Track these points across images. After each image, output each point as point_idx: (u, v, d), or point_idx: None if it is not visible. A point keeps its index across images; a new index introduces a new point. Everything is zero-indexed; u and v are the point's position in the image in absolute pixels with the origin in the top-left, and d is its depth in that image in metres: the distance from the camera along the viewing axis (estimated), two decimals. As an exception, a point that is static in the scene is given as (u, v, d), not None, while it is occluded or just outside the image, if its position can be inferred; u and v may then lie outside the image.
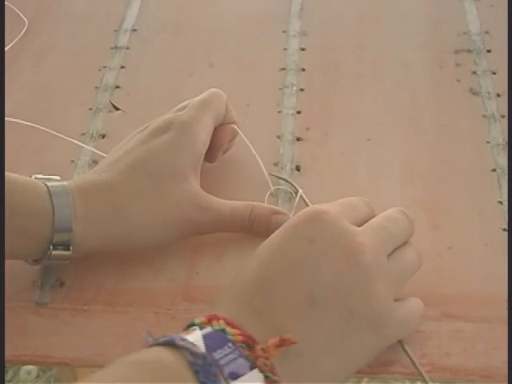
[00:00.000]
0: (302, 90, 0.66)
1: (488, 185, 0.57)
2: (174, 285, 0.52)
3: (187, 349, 0.38)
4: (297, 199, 0.56)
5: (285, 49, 0.71)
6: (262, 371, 0.39)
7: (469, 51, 0.69)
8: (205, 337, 0.39)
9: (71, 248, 0.49)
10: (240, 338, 0.40)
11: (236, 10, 0.76)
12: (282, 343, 0.40)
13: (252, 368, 0.39)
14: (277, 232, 0.47)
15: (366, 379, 0.46)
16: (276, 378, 0.39)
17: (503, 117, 0.62)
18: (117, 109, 0.66)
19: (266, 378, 0.39)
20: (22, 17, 0.76)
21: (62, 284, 0.53)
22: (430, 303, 0.49)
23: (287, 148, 0.61)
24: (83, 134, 0.63)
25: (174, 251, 0.54)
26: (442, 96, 0.65)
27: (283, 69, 0.69)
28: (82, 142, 0.62)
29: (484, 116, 0.62)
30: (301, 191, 0.56)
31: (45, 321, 0.51)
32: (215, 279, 0.52)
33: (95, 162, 0.61)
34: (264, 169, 0.57)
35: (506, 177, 0.57)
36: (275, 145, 0.61)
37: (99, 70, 0.70)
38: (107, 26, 0.76)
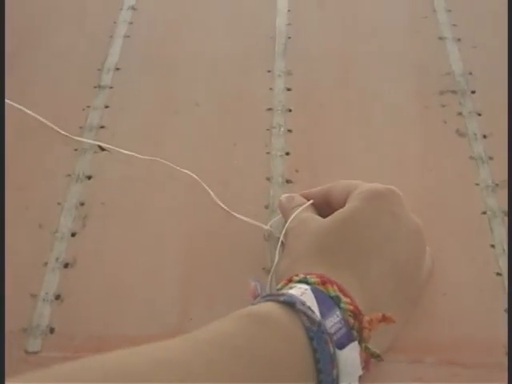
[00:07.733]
0: (289, 130, 0.66)
1: (479, 228, 0.57)
2: (165, 331, 0.51)
3: (305, 314, 0.40)
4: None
5: (270, 89, 0.71)
6: (364, 341, 0.42)
7: (453, 92, 0.69)
8: (319, 302, 0.42)
9: None
10: (351, 307, 0.42)
11: (220, 48, 0.76)
12: (384, 319, 0.43)
13: (354, 339, 0.41)
14: (359, 203, 0.48)
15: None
16: (376, 350, 0.42)
17: (491, 158, 0.62)
18: (102, 149, 0.65)
19: (366, 348, 0.42)
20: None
21: (52, 330, 0.52)
22: (426, 350, 0.50)
23: (277, 190, 0.60)
24: (69, 175, 0.62)
25: (164, 297, 0.53)
26: (428, 137, 0.65)
27: (270, 109, 0.68)
28: (68, 183, 0.61)
29: (472, 158, 0.62)
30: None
31: (34, 370, 0.49)
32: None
33: (82, 204, 0.60)
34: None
35: (497, 219, 0.57)
36: (265, 187, 0.61)
37: (83, 109, 0.69)
38: (90, 64, 0.74)
